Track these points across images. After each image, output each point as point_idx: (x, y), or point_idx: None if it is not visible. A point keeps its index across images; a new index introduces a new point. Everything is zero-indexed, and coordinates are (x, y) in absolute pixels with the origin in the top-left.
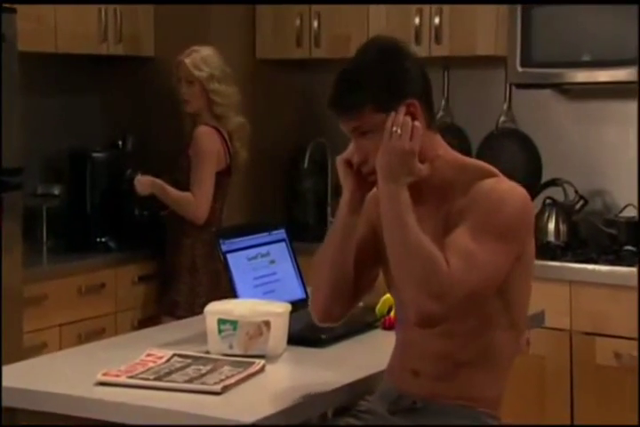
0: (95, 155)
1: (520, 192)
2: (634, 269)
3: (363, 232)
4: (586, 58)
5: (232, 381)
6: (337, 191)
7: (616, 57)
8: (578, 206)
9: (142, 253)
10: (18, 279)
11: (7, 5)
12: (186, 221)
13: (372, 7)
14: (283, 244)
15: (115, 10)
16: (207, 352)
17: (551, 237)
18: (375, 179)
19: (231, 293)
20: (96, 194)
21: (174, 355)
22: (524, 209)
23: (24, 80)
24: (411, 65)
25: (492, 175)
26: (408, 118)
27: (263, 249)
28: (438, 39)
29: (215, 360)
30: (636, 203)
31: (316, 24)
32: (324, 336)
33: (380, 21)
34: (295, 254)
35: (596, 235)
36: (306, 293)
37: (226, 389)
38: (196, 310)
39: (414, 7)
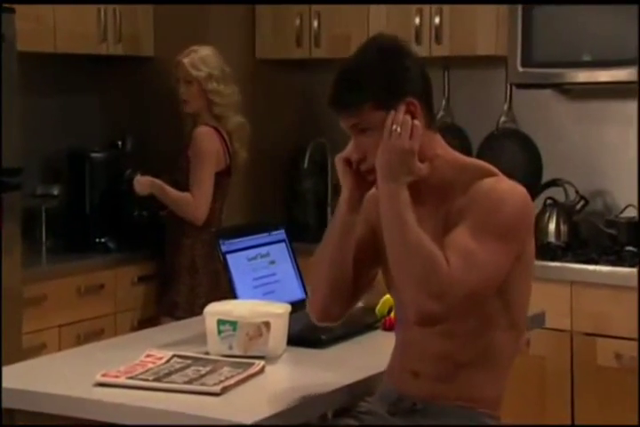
0: (94, 155)
1: (520, 191)
2: (635, 270)
3: (361, 232)
4: (586, 58)
5: (232, 382)
6: (337, 191)
7: (617, 57)
8: (578, 207)
9: (142, 254)
10: (17, 280)
11: (6, 5)
12: (185, 222)
13: (373, 7)
14: (282, 244)
15: (114, 10)
16: (207, 353)
17: (552, 238)
18: (374, 177)
19: (231, 293)
20: (95, 194)
21: (174, 356)
22: (524, 208)
23: (23, 80)
24: (411, 64)
25: (491, 175)
26: (408, 117)
27: (263, 250)
28: (438, 39)
29: (215, 361)
30: (636, 203)
31: (316, 24)
32: (323, 337)
33: (380, 21)
34: (295, 255)
35: (597, 235)
36: (306, 293)
37: (225, 390)
38: (196, 310)
39: (414, 7)
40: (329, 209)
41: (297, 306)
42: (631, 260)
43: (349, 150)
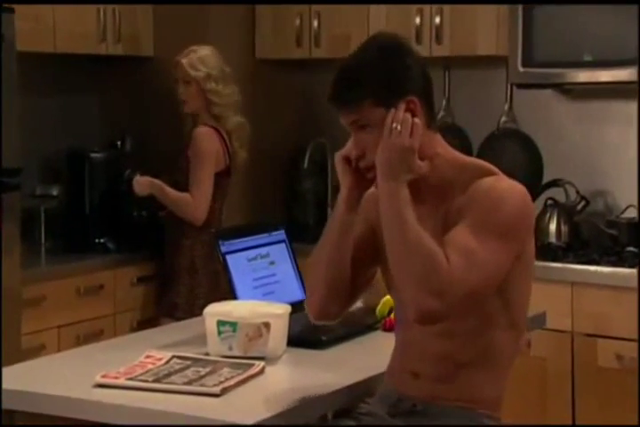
0: (94, 155)
1: (520, 190)
2: (636, 271)
3: (360, 231)
4: (587, 58)
5: (231, 383)
6: (337, 192)
7: (618, 57)
8: (579, 207)
9: (141, 255)
10: (16, 280)
11: (6, 5)
12: (185, 222)
13: (373, 7)
14: (282, 245)
15: (113, 10)
16: (206, 354)
17: (552, 239)
18: (373, 175)
19: (230, 294)
20: (95, 195)
21: (173, 357)
22: (523, 208)
23: (22, 80)
24: (412, 62)
25: (491, 174)
26: (408, 115)
27: (263, 250)
28: (439, 39)
29: (214, 362)
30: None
31: (316, 24)
32: (324, 338)
33: (380, 21)
34: (295, 256)
35: (598, 236)
36: (305, 294)
37: (225, 391)
38: (196, 311)
39: (415, 7)
40: (329, 209)
41: (297, 307)
42: (632, 260)
43: (349, 148)
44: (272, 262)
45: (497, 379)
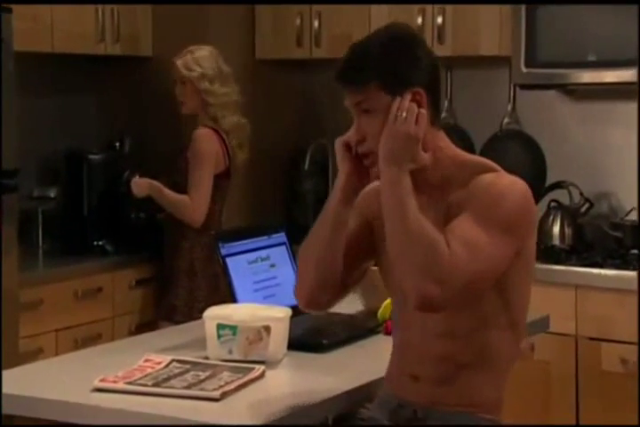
0: (92, 156)
1: (521, 187)
2: None
3: (355, 225)
4: (591, 58)
5: (231, 387)
6: None
7: (622, 57)
8: (583, 209)
9: (140, 257)
10: (14, 283)
11: (3, 5)
12: (184, 224)
13: (374, 7)
14: (283, 247)
15: (112, 9)
16: (206, 358)
17: (556, 241)
18: (370, 162)
19: (230, 297)
20: (93, 196)
21: (173, 360)
22: (524, 204)
23: (20, 80)
24: (423, 55)
25: (492, 170)
26: (414, 104)
27: (263, 253)
28: (441, 39)
29: (214, 366)
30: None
31: (316, 24)
32: (324, 341)
33: (381, 21)
34: (295, 258)
35: (602, 238)
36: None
37: (225, 395)
38: (195, 314)
39: (417, 7)
40: None
41: (298, 310)
42: (636, 263)
43: (350, 134)
44: (272, 265)
45: (496, 381)
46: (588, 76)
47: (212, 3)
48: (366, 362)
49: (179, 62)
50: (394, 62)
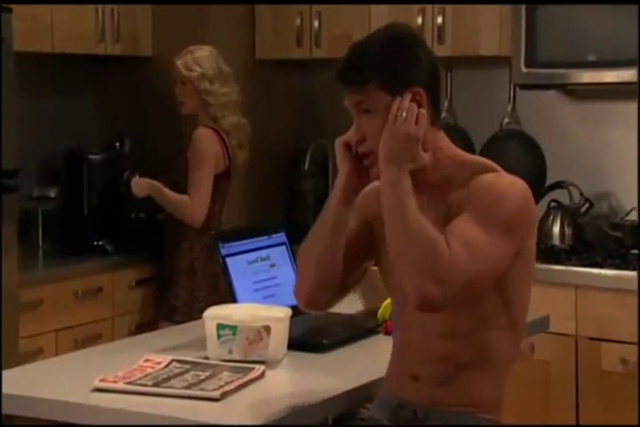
0: (92, 156)
1: (521, 187)
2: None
3: (354, 225)
4: (591, 58)
5: (231, 387)
6: None
7: (622, 57)
8: (583, 209)
9: (140, 257)
10: (14, 283)
11: (3, 5)
12: (184, 224)
13: (374, 7)
14: (283, 247)
15: (112, 9)
16: (206, 358)
17: (556, 241)
18: (370, 162)
19: (230, 297)
20: (93, 196)
21: (173, 360)
22: (524, 204)
23: (20, 80)
24: (423, 55)
25: (491, 170)
26: (414, 104)
27: (263, 253)
28: (441, 39)
29: (214, 366)
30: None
31: (316, 24)
32: (325, 341)
33: (381, 21)
34: (296, 258)
35: (602, 238)
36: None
37: (225, 395)
38: (195, 314)
39: (417, 7)
40: None
41: (298, 310)
42: (636, 263)
43: (350, 134)
44: (272, 265)
45: (496, 381)
46: (587, 76)
47: (212, 3)
48: (366, 362)
49: (179, 62)
50: (394, 62)
